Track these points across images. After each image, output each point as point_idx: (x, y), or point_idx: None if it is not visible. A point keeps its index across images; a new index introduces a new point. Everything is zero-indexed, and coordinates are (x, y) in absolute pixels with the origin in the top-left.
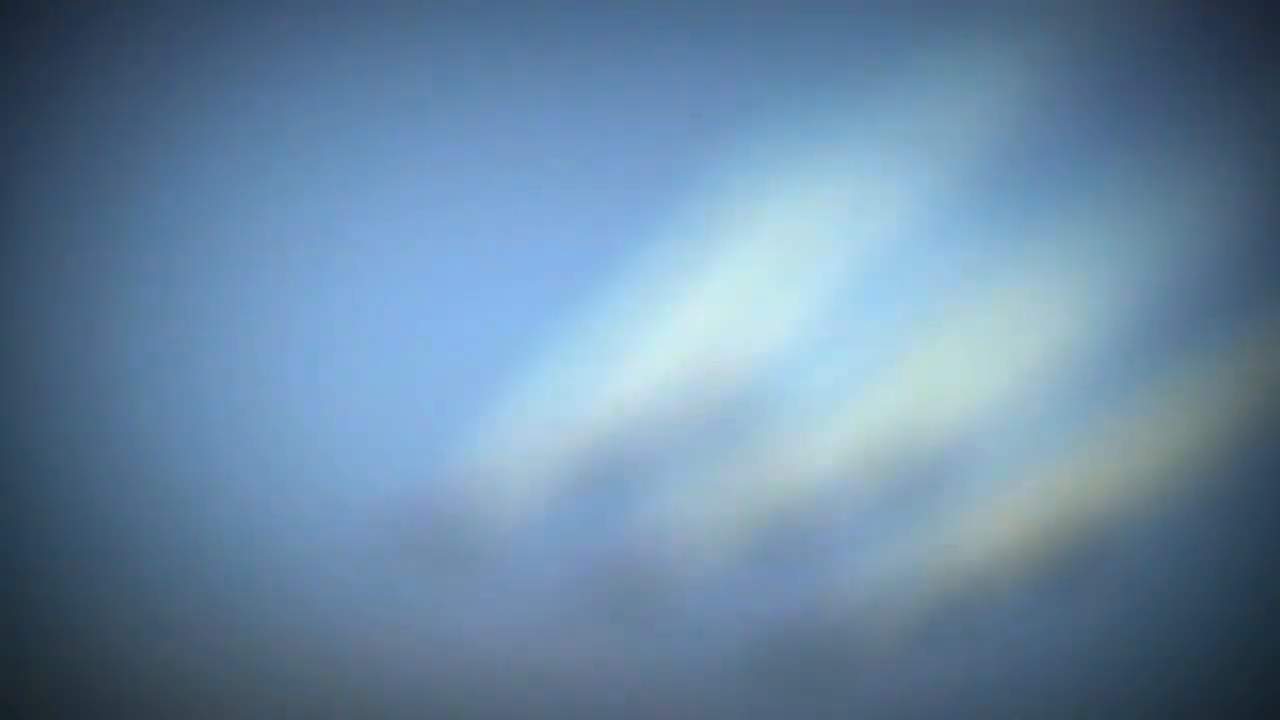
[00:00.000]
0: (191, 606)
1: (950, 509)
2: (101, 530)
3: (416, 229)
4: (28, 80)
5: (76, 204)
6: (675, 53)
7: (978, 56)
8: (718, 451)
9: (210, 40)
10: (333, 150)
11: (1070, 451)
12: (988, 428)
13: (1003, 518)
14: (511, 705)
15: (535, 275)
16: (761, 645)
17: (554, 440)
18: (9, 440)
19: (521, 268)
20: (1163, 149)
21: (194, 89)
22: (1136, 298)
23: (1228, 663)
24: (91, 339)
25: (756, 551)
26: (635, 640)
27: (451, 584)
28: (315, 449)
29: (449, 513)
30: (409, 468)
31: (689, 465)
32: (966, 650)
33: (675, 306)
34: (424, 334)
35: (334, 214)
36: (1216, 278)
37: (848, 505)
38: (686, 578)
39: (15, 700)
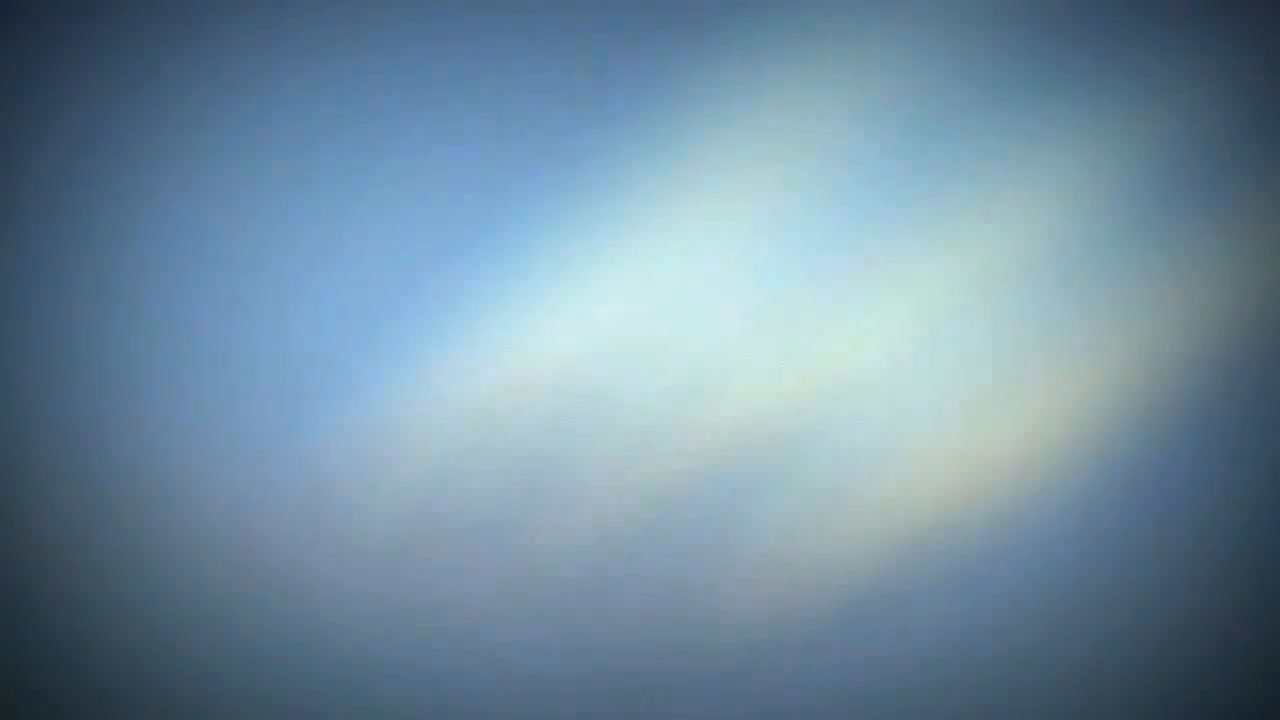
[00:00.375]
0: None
1: (801, 500)
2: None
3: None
4: (29, 80)
5: (56, 204)
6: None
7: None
8: (580, 454)
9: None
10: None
11: (921, 441)
12: (838, 420)
13: (850, 511)
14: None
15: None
16: (617, 639)
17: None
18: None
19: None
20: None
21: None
22: (1009, 278)
23: (1083, 662)
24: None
25: (609, 552)
26: (479, 647)
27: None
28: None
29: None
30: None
31: (559, 455)
32: (811, 644)
33: (551, 296)
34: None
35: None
36: (1091, 254)
37: (700, 501)
38: (543, 579)
39: (16, 700)
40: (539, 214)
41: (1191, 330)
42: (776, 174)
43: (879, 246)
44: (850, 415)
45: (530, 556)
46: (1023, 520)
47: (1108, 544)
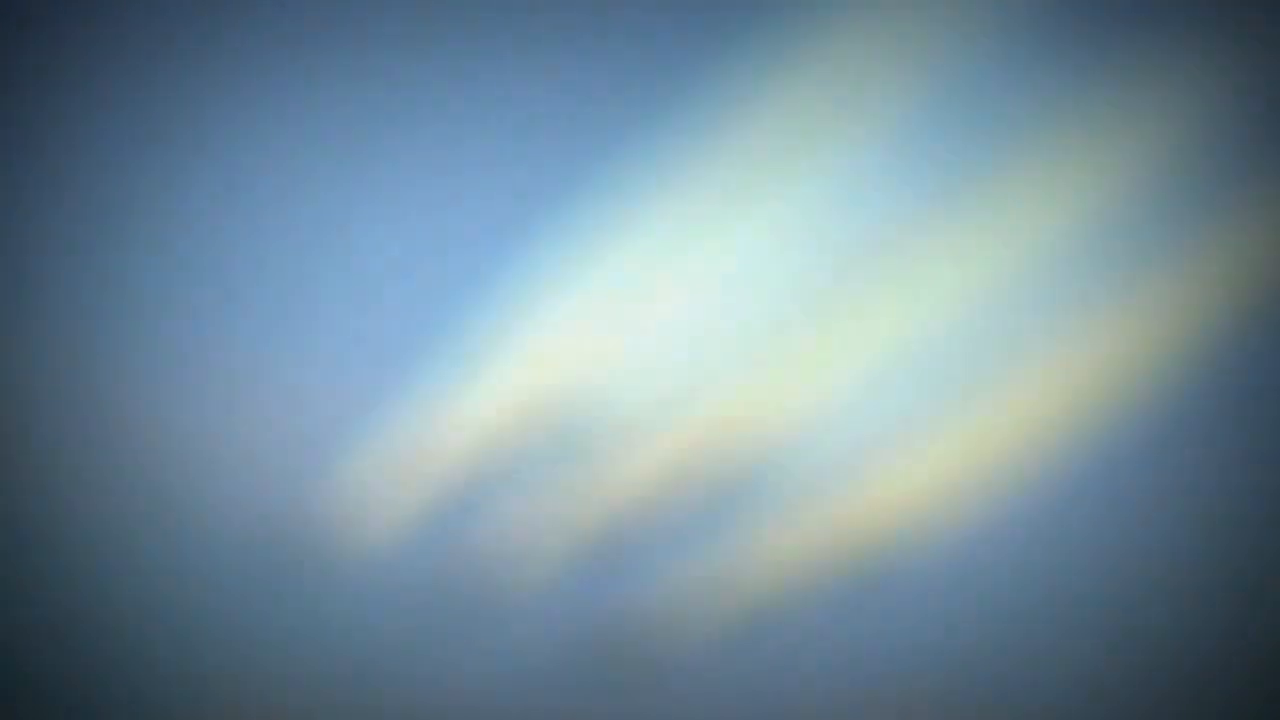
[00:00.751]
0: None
1: (764, 514)
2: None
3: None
4: (29, 80)
5: (55, 205)
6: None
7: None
8: (551, 464)
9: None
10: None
11: (883, 456)
12: (804, 436)
13: (813, 523)
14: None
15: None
16: (579, 648)
17: (408, 456)
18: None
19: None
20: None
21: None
22: (974, 296)
23: (1039, 664)
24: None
25: (579, 560)
26: (469, 643)
27: (317, 592)
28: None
29: (315, 526)
30: (275, 487)
31: (524, 477)
32: (775, 652)
33: (522, 321)
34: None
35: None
36: (1091, 258)
37: (667, 513)
38: (516, 583)
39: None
40: (544, 225)
41: (1191, 328)
42: (771, 181)
43: (876, 250)
44: (846, 415)
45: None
46: (1014, 520)
47: (1102, 543)
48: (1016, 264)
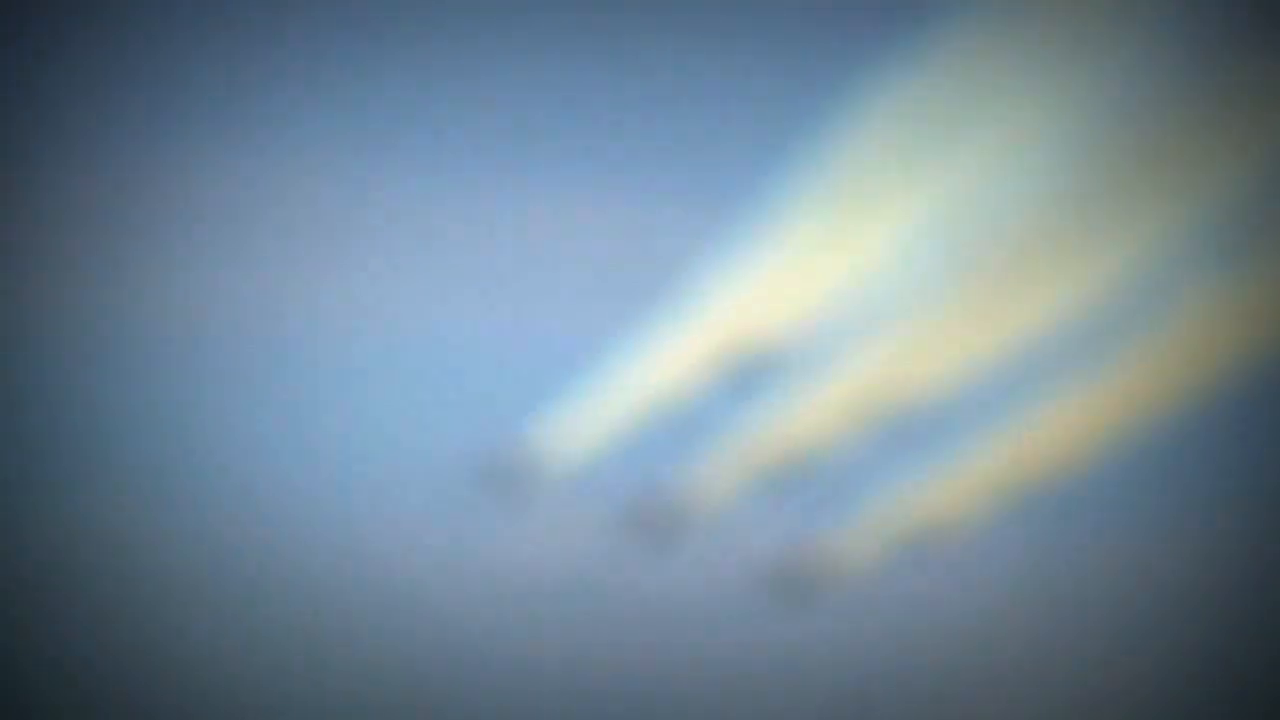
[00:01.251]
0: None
1: (934, 452)
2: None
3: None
4: (30, 80)
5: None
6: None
7: None
8: (742, 407)
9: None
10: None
11: (1035, 407)
12: (975, 383)
13: (985, 460)
14: (564, 616)
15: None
16: (768, 567)
17: (605, 400)
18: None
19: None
20: None
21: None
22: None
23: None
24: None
25: (760, 493)
26: (668, 563)
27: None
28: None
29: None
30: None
31: (717, 420)
32: (940, 574)
33: (711, 284)
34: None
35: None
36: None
37: (841, 452)
38: (711, 510)
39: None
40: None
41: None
42: (930, 173)
43: (1028, 231)
44: (1001, 369)
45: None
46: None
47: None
48: (1159, 243)
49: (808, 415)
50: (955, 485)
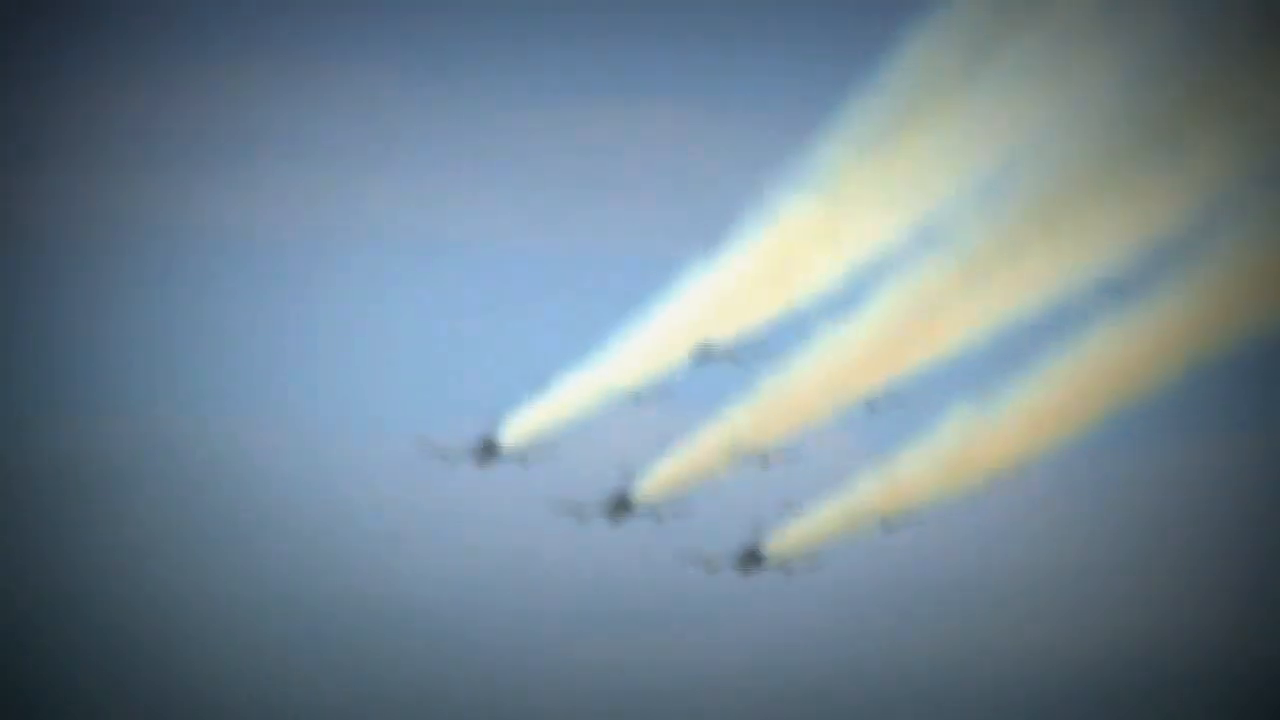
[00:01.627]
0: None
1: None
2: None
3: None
4: (33, 80)
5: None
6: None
7: None
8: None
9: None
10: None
11: (1025, 382)
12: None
13: (965, 438)
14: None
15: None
16: (744, 544)
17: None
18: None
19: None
20: None
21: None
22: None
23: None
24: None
25: (744, 471)
26: (655, 533)
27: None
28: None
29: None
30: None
31: (699, 402)
32: (921, 538)
33: (697, 279)
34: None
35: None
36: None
37: (822, 432)
38: (692, 490)
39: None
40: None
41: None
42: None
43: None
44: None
45: None
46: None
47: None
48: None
49: (788, 399)
50: (950, 461)
